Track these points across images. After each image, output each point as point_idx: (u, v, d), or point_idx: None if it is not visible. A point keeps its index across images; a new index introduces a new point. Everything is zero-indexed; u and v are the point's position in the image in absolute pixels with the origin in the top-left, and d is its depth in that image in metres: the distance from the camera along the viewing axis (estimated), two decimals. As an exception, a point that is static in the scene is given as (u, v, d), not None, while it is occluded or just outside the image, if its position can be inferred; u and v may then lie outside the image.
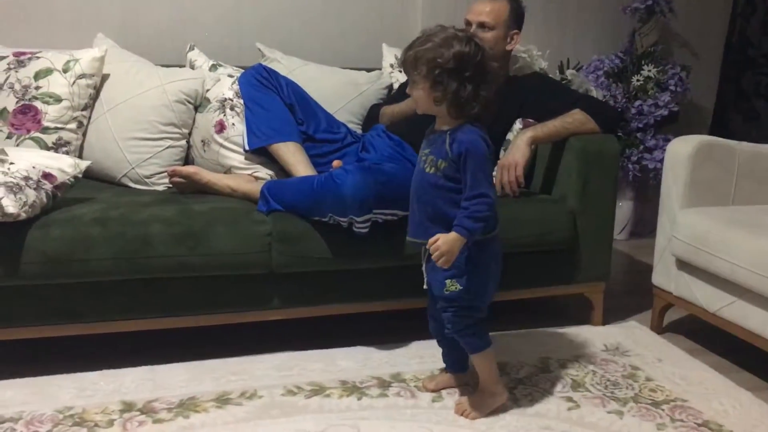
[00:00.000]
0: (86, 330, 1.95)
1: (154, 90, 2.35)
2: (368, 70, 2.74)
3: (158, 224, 1.94)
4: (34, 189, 1.83)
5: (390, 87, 2.71)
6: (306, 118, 2.37)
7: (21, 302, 1.87)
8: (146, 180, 2.31)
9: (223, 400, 1.84)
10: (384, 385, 1.94)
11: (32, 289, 1.87)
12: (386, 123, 2.43)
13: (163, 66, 2.49)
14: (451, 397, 1.89)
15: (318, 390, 1.91)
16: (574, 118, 2.32)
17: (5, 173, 1.79)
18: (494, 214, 1.72)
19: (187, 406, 1.80)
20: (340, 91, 2.62)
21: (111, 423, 1.72)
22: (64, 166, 1.97)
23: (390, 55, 2.80)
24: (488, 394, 1.81)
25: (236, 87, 2.38)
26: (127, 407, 1.79)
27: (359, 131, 2.57)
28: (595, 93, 2.95)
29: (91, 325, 1.95)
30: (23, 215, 1.77)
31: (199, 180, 2.21)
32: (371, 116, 2.58)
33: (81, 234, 1.86)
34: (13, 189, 1.76)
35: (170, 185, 2.28)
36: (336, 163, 2.19)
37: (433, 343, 1.95)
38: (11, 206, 1.74)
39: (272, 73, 2.37)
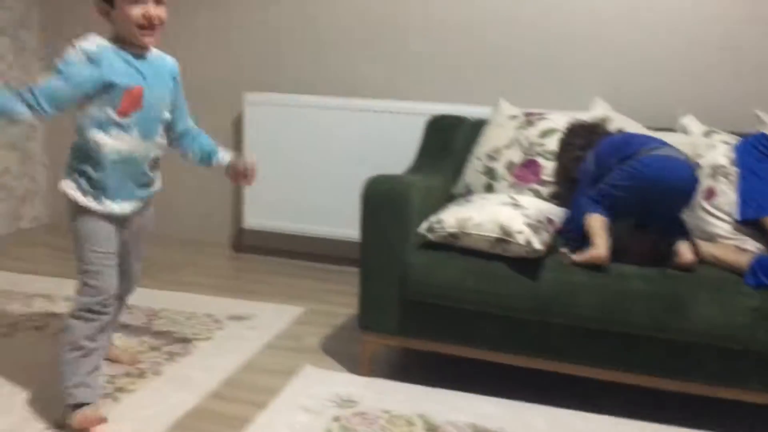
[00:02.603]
0: (562, 368, 2.09)
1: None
2: None
3: (639, 281, 1.99)
4: (545, 231, 2.06)
5: None
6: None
7: (507, 331, 2.09)
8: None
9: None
10: None
11: (521, 323, 2.07)
12: None
13: (651, 129, 2.55)
14: None
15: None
16: None
17: (527, 216, 2.06)
18: None
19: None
20: None
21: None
22: (559, 214, 2.19)
23: None
24: None
25: (731, 154, 2.32)
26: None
27: None
28: None
29: (568, 365, 2.08)
30: (543, 252, 2.01)
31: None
32: None
33: (568, 278, 2.02)
34: (535, 229, 2.02)
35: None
36: None
37: None
38: (538, 243, 1.99)
39: (773, 142, 2.26)
